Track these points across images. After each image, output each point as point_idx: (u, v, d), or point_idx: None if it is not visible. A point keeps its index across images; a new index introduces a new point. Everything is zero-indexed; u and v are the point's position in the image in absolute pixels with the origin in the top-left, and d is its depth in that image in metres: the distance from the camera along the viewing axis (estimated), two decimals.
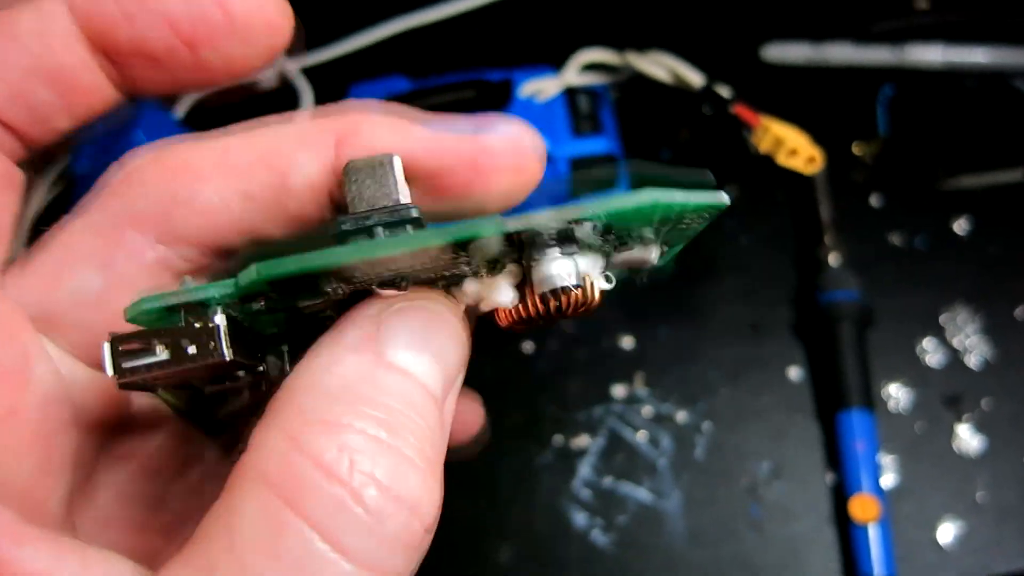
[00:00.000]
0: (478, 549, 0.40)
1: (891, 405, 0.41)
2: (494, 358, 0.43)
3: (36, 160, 0.21)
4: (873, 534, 0.37)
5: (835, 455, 0.40)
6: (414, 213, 0.18)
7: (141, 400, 0.21)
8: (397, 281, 0.17)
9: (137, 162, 0.20)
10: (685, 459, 0.41)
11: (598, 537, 0.40)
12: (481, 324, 0.20)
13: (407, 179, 0.19)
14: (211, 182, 0.19)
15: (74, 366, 0.19)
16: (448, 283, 0.18)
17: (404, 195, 0.19)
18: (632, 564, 0.40)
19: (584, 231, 0.17)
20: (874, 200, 0.47)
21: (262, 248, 0.22)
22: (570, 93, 0.45)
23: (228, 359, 0.17)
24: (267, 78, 0.49)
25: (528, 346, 0.44)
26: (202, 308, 0.17)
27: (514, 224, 0.16)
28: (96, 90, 0.20)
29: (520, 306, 0.18)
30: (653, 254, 0.19)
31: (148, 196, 0.19)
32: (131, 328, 0.17)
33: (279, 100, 0.48)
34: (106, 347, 0.17)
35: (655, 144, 0.48)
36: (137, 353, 0.17)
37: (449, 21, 0.48)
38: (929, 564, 0.39)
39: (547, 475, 0.41)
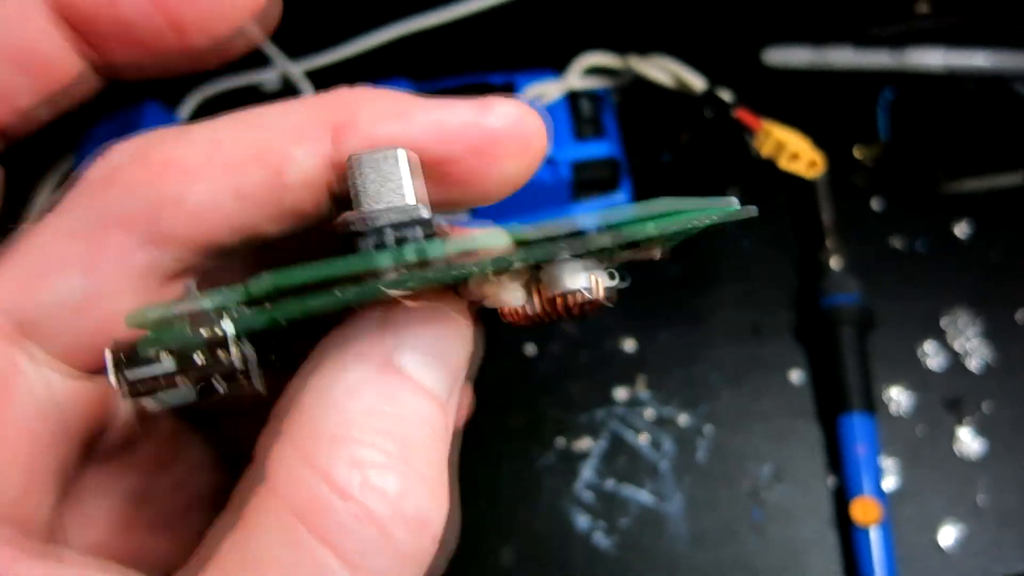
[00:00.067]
0: (480, 551, 0.40)
1: (892, 408, 0.42)
2: (496, 360, 0.44)
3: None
4: (874, 537, 0.37)
5: (836, 458, 0.40)
6: (424, 214, 0.18)
7: (124, 401, 0.20)
8: (403, 281, 0.17)
9: (119, 158, 0.19)
10: (687, 462, 0.41)
11: (600, 539, 0.40)
12: (482, 313, 0.20)
13: (410, 170, 0.18)
14: (201, 181, 0.18)
15: (58, 373, 0.18)
16: (454, 281, 0.18)
17: (411, 190, 0.18)
18: (634, 566, 0.40)
19: (599, 240, 0.17)
20: (875, 204, 0.47)
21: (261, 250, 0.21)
22: (572, 97, 0.45)
23: (239, 368, 0.16)
24: (270, 81, 0.49)
25: (530, 348, 0.44)
26: (208, 315, 0.16)
27: (542, 249, 0.16)
28: (69, 70, 0.19)
29: (527, 305, 0.18)
30: (657, 253, 0.19)
31: (133, 196, 0.18)
32: (131, 336, 0.16)
33: None
34: (108, 357, 0.16)
35: (657, 147, 0.49)
36: (142, 363, 0.16)
37: (452, 25, 0.48)
38: (930, 567, 0.39)
39: (549, 477, 0.41)
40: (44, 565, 0.16)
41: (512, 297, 0.18)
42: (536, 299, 0.18)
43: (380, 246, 0.17)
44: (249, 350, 0.17)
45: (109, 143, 0.19)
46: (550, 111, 0.44)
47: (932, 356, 0.43)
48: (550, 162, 0.42)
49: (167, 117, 0.45)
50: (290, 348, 0.19)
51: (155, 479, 0.21)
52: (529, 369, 0.44)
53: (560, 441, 0.42)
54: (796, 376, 0.43)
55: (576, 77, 0.45)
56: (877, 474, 0.39)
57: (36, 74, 0.19)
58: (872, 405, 0.40)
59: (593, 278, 0.18)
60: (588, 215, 0.17)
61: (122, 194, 0.18)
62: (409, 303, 0.17)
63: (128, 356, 0.16)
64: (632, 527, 0.40)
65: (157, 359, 0.16)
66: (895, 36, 0.49)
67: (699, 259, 0.45)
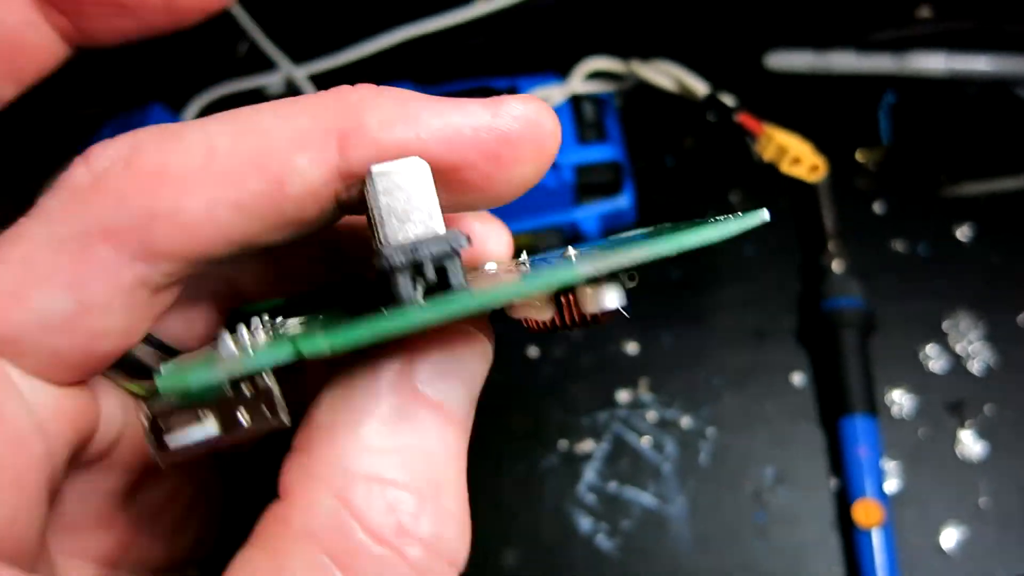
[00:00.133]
0: (482, 553, 0.40)
1: (894, 411, 0.42)
2: (498, 362, 0.43)
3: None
4: (876, 539, 0.37)
5: (838, 461, 0.40)
6: (464, 243, 0.17)
7: (108, 402, 0.20)
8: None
9: (104, 162, 0.17)
10: (689, 464, 0.41)
11: (603, 542, 0.40)
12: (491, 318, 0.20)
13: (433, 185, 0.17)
14: (195, 192, 0.17)
15: (41, 391, 0.17)
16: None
17: (437, 208, 0.17)
18: (636, 569, 0.40)
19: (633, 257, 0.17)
20: (877, 207, 0.47)
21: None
22: (575, 101, 0.45)
23: (288, 424, 0.16)
24: (274, 84, 0.49)
25: (533, 351, 0.44)
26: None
27: (593, 267, 0.16)
28: (44, 48, 0.18)
29: (555, 317, 0.18)
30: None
31: (123, 208, 0.17)
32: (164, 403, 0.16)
33: None
34: (145, 423, 0.16)
35: (659, 151, 0.49)
36: (182, 427, 0.15)
37: (456, 29, 0.48)
38: (932, 569, 0.39)
39: (551, 479, 0.42)
40: None
41: (541, 312, 0.18)
42: (566, 313, 0.18)
43: (419, 280, 0.17)
44: (274, 384, 0.16)
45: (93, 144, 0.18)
46: None
47: (934, 359, 0.43)
48: (553, 165, 0.42)
49: (172, 120, 0.45)
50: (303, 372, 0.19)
51: (137, 478, 0.21)
52: (532, 371, 0.44)
53: (563, 443, 0.42)
54: (798, 379, 0.43)
55: (579, 81, 0.45)
56: (879, 476, 0.39)
57: (17, 60, 0.18)
58: (874, 408, 0.40)
59: (622, 293, 0.18)
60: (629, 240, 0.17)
61: (110, 205, 0.17)
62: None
63: (167, 422, 0.15)
64: (634, 529, 0.40)
65: (198, 421, 0.16)
66: (897, 40, 0.49)
67: (701, 262, 0.45)
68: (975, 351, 0.43)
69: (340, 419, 0.16)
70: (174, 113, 0.47)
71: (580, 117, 0.45)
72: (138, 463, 0.21)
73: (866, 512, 0.38)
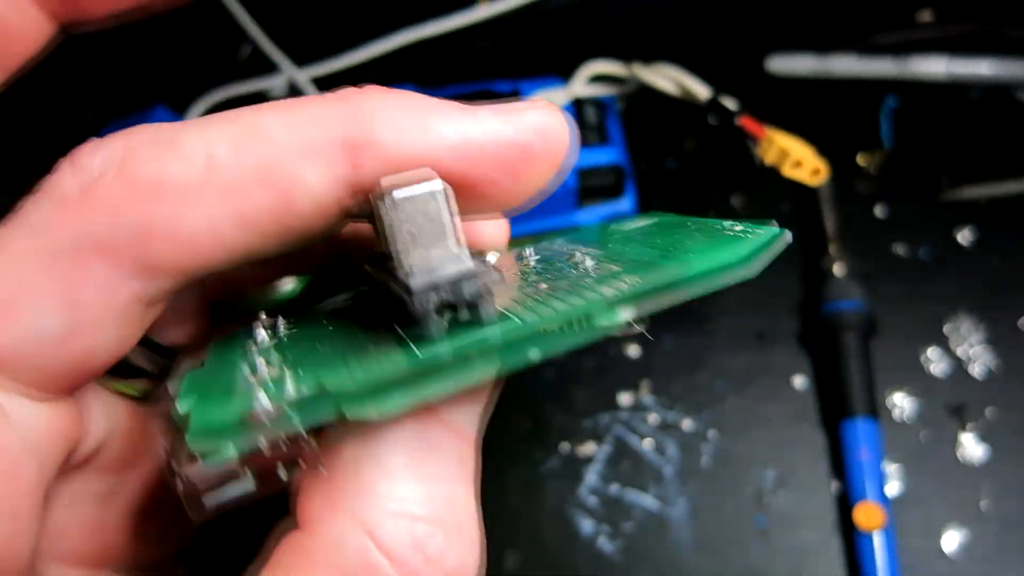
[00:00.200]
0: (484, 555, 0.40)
1: (895, 414, 0.42)
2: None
3: None
4: (878, 542, 0.37)
5: (840, 463, 0.40)
6: (496, 278, 0.16)
7: (94, 406, 0.19)
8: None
9: (95, 169, 0.16)
10: (691, 467, 0.41)
11: (604, 544, 0.40)
12: None
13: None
14: (196, 207, 0.16)
15: (31, 410, 0.17)
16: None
17: (460, 231, 0.16)
18: (638, 571, 0.40)
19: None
20: (878, 211, 0.47)
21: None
22: (577, 104, 0.45)
23: (324, 471, 0.16)
24: (277, 87, 0.49)
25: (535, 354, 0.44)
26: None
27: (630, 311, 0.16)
28: (29, 30, 0.17)
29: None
30: None
31: (118, 223, 0.16)
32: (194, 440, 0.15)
33: None
34: (180, 487, 0.15)
35: (661, 155, 0.49)
36: (219, 485, 0.15)
37: (459, 32, 0.48)
38: (934, 572, 0.39)
39: (553, 482, 0.42)
40: None
41: None
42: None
43: (452, 320, 0.16)
44: (311, 437, 0.15)
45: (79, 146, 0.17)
46: None
47: (935, 362, 0.43)
48: None
49: (175, 119, 0.45)
50: None
51: (122, 478, 0.20)
52: (534, 374, 0.44)
53: (564, 446, 0.42)
54: (800, 382, 0.43)
55: (581, 85, 0.46)
56: (880, 479, 0.39)
57: (4, 46, 0.17)
58: (875, 411, 0.40)
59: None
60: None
61: (103, 218, 0.16)
62: None
63: (204, 483, 0.15)
64: (636, 532, 0.40)
65: (235, 477, 0.15)
66: (898, 44, 0.49)
67: None
68: (976, 354, 0.43)
69: (363, 448, 0.16)
70: (177, 115, 0.47)
71: (582, 120, 0.45)
72: (122, 463, 0.20)
73: (867, 515, 0.38)
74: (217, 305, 0.23)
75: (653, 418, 0.43)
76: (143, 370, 0.21)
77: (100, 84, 0.49)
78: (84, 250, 0.16)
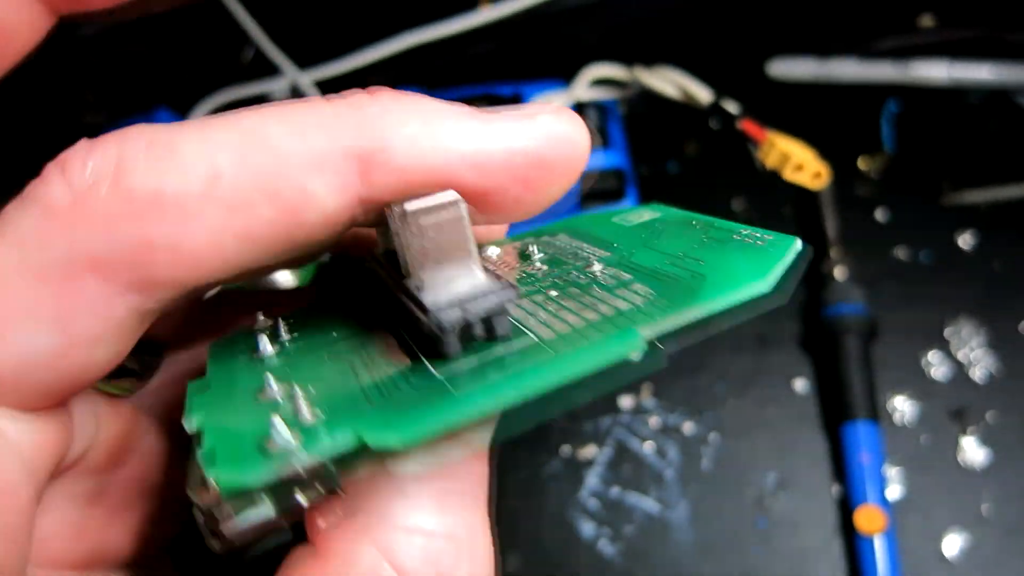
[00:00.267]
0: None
1: (896, 418, 0.42)
2: None
3: None
4: (879, 546, 0.37)
5: (841, 467, 0.40)
6: (514, 296, 0.16)
7: (82, 410, 0.18)
8: None
9: (86, 180, 0.15)
10: (692, 470, 0.41)
11: (605, 546, 0.40)
12: None
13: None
14: (198, 221, 0.15)
15: (23, 425, 0.16)
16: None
17: (474, 247, 0.16)
18: (639, 574, 0.40)
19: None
20: (879, 215, 0.47)
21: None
22: (579, 107, 0.45)
23: (344, 494, 0.15)
24: (280, 90, 0.49)
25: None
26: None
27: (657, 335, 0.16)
28: (30, 26, 0.16)
29: None
30: None
31: (113, 238, 0.15)
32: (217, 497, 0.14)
33: None
34: (200, 517, 0.14)
35: (663, 158, 0.49)
36: (238, 513, 0.14)
37: (461, 35, 0.48)
38: None
39: (554, 484, 0.42)
40: None
41: None
42: None
43: (472, 342, 0.16)
44: (332, 465, 0.15)
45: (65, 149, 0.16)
46: None
47: (936, 366, 0.43)
48: None
49: (178, 120, 0.45)
50: None
51: (108, 477, 0.20)
52: None
53: (565, 449, 0.42)
54: (800, 385, 0.43)
55: (583, 88, 0.46)
56: (881, 483, 0.39)
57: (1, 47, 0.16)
58: (876, 414, 0.40)
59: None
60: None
61: (98, 232, 0.15)
62: None
63: (223, 514, 0.14)
64: (637, 535, 0.40)
65: (254, 505, 0.14)
66: (899, 49, 0.49)
67: None
68: (977, 358, 0.43)
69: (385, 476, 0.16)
70: (179, 117, 0.47)
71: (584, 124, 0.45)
72: (108, 463, 0.20)
73: (868, 518, 0.38)
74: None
75: (654, 421, 0.43)
76: (128, 368, 0.21)
77: (103, 86, 0.49)
78: (77, 266, 0.15)
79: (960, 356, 0.43)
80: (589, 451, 0.42)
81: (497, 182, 0.16)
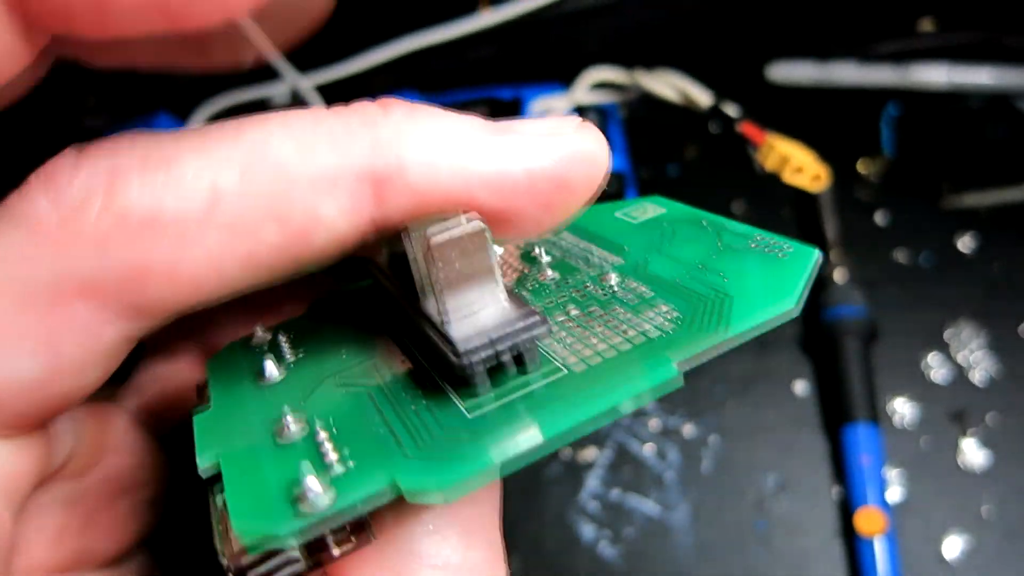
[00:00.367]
0: None
1: (896, 420, 0.42)
2: None
3: None
4: (879, 548, 0.37)
5: (841, 469, 0.40)
6: (544, 331, 0.15)
7: (62, 422, 0.18)
8: None
9: (75, 198, 0.14)
10: (692, 472, 0.41)
11: (605, 549, 0.40)
12: None
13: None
14: (197, 245, 0.14)
15: (4, 448, 0.15)
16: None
17: (498, 272, 0.16)
18: None
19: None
20: (879, 218, 0.47)
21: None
22: (579, 111, 0.45)
23: (375, 538, 0.15)
24: (280, 95, 0.50)
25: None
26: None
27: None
28: (12, 67, 0.14)
29: None
30: None
31: (105, 262, 0.14)
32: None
33: None
34: (223, 563, 0.14)
35: (663, 161, 0.49)
36: (268, 563, 0.14)
37: (461, 39, 0.48)
38: None
39: (555, 487, 0.42)
40: None
41: None
42: None
43: (497, 371, 0.16)
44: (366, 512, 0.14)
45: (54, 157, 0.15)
46: None
47: (936, 368, 0.43)
48: None
49: (178, 127, 0.45)
50: None
51: (84, 479, 0.19)
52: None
53: (566, 452, 0.42)
54: (800, 387, 0.43)
55: (583, 91, 0.46)
56: (881, 485, 0.39)
57: None
58: (876, 416, 0.40)
59: None
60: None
61: (88, 255, 0.14)
62: None
63: (255, 569, 0.14)
64: (637, 537, 0.40)
65: (283, 552, 0.14)
66: (899, 53, 0.49)
67: None
68: (977, 360, 0.43)
69: (404, 507, 0.15)
70: (180, 122, 0.47)
71: None
72: (84, 467, 0.19)
73: (868, 520, 0.38)
74: None
75: (654, 423, 0.43)
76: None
77: (102, 90, 0.49)
78: (65, 290, 0.14)
79: (960, 358, 0.43)
80: (589, 453, 0.42)
81: (517, 204, 0.15)
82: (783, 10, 0.51)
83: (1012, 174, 0.47)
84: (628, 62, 0.46)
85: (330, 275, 0.23)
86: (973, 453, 0.41)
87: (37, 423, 0.16)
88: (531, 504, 0.41)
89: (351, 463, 0.14)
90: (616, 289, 0.19)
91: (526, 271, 0.21)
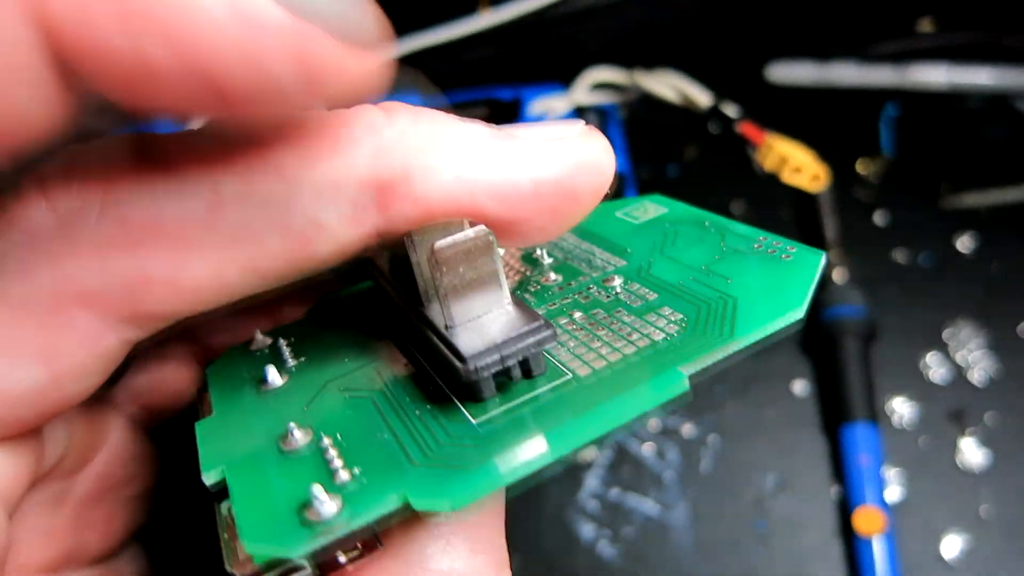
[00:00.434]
0: None
1: (895, 419, 0.42)
2: None
3: None
4: (878, 547, 0.37)
5: (840, 468, 0.40)
6: (555, 335, 0.15)
7: (55, 425, 0.17)
8: None
9: (72, 205, 0.13)
10: (691, 472, 0.41)
11: (604, 549, 0.40)
12: None
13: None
14: (199, 254, 0.14)
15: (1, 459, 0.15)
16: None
17: (504, 279, 0.16)
18: None
19: None
20: (878, 218, 0.47)
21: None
22: (579, 112, 0.46)
23: (382, 546, 0.15)
24: None
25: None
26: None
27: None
28: (36, 109, 0.12)
29: None
30: None
31: (105, 270, 0.14)
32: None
33: None
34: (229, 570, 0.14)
35: (662, 162, 0.49)
36: (274, 573, 0.13)
37: (461, 40, 0.48)
38: None
39: (554, 487, 0.42)
40: None
41: None
42: None
43: (503, 377, 0.16)
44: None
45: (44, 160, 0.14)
46: None
47: (935, 368, 0.43)
48: None
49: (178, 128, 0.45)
50: None
51: (75, 478, 0.19)
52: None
53: None
54: (800, 387, 0.43)
55: (583, 92, 0.46)
56: (880, 484, 0.39)
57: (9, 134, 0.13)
58: (875, 415, 0.40)
59: None
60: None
61: (87, 264, 0.14)
62: None
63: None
64: (636, 537, 0.40)
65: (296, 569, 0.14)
66: (898, 53, 0.49)
67: None
68: (975, 360, 0.43)
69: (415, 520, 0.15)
70: (182, 125, 0.47)
71: None
72: (74, 466, 0.19)
73: (867, 520, 0.38)
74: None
75: (653, 423, 0.43)
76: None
77: None
78: (64, 299, 0.14)
79: (959, 358, 0.43)
80: (589, 453, 0.42)
81: (523, 213, 0.15)
82: (782, 10, 0.51)
83: (1011, 174, 0.47)
84: (628, 62, 0.47)
85: (329, 276, 0.23)
86: (972, 452, 0.41)
87: (29, 429, 0.16)
88: (530, 503, 0.41)
89: (359, 475, 0.14)
90: (620, 293, 0.19)
91: (528, 273, 0.21)
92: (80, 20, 0.11)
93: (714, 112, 0.45)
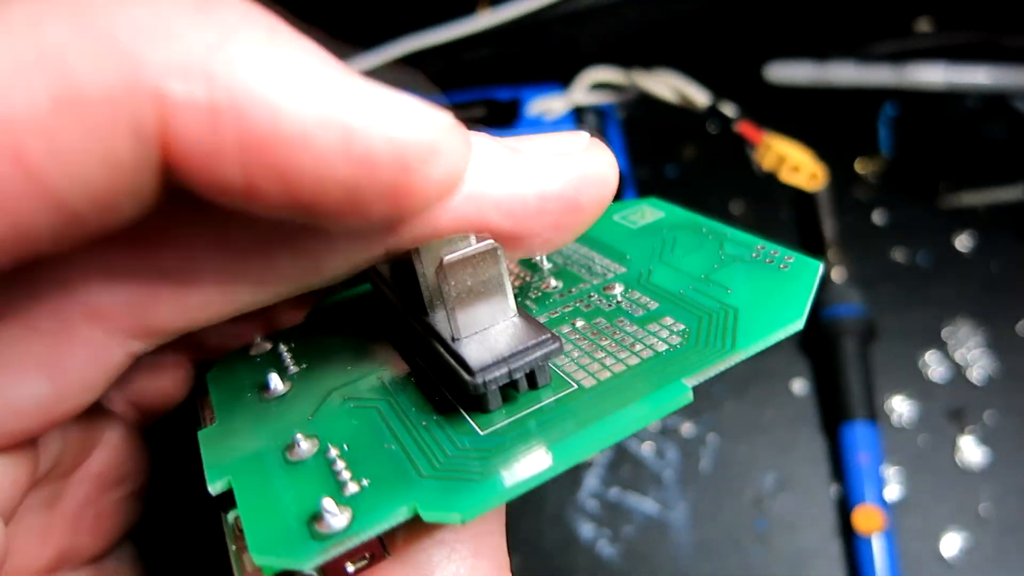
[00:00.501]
0: None
1: (894, 418, 0.42)
2: None
3: None
4: (877, 546, 0.37)
5: (839, 467, 0.40)
6: (561, 347, 0.15)
7: (50, 433, 0.17)
8: None
9: None
10: (691, 471, 0.42)
11: (604, 548, 0.40)
12: None
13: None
14: (209, 271, 0.14)
15: (2, 469, 0.15)
16: None
17: (510, 290, 0.16)
18: (638, 575, 0.40)
19: None
20: (877, 217, 0.47)
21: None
22: (577, 112, 0.46)
23: (389, 555, 0.15)
24: None
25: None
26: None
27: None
28: (126, 192, 0.12)
29: None
30: None
31: (113, 289, 0.14)
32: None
33: None
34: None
35: (661, 161, 0.49)
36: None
37: (460, 40, 0.48)
38: None
39: (553, 486, 0.42)
40: None
41: None
42: None
43: (513, 394, 0.16)
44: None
45: None
46: (556, 126, 0.45)
47: (934, 367, 0.43)
48: None
49: None
50: None
51: (69, 480, 0.19)
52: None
53: None
54: (799, 386, 0.43)
55: (581, 92, 0.46)
56: (879, 483, 0.39)
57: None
58: (874, 414, 0.40)
59: None
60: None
61: (95, 282, 0.14)
62: None
63: None
64: (636, 536, 0.40)
65: None
66: (896, 53, 0.49)
67: None
68: (974, 359, 0.43)
69: (422, 527, 0.15)
70: None
71: (582, 128, 0.45)
72: (69, 469, 0.19)
73: (867, 518, 0.38)
74: None
75: (653, 423, 0.43)
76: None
77: None
78: (72, 316, 0.14)
79: (958, 357, 0.43)
80: None
81: (528, 226, 0.15)
82: (781, 10, 0.51)
83: (1009, 173, 0.47)
84: (626, 62, 0.47)
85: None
86: (971, 451, 0.41)
87: (28, 439, 0.16)
88: (530, 503, 0.42)
89: (366, 484, 0.14)
90: (621, 301, 0.19)
91: (527, 278, 0.21)
92: (202, 154, 0.11)
93: (712, 112, 0.45)
